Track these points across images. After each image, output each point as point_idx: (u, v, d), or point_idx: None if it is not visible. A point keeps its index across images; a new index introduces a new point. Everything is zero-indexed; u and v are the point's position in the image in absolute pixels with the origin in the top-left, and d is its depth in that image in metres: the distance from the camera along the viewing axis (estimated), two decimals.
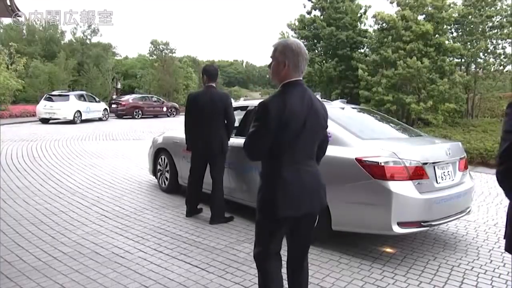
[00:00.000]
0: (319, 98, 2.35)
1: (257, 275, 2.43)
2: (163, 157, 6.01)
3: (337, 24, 20.54)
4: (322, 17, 21.36)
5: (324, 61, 21.30)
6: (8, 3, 5.17)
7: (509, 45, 15.63)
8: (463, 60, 16.36)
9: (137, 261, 3.53)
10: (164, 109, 26.69)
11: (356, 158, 3.66)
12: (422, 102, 14.24)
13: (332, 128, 3.89)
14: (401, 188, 3.54)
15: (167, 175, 5.94)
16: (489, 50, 15.59)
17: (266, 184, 2.24)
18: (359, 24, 21.39)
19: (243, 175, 4.67)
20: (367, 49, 19.82)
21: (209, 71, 4.75)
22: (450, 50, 15.00)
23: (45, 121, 18.99)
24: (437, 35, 15.18)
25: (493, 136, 11.08)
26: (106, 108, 22.64)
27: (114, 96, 32.07)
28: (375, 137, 4.26)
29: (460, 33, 16.50)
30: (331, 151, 4.04)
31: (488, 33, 15.47)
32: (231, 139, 4.71)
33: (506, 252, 1.72)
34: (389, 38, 15.61)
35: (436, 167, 3.82)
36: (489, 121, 15.05)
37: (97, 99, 22.86)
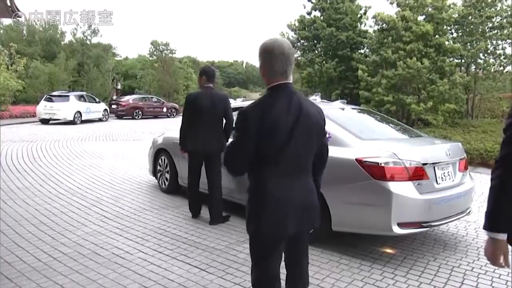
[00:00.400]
0: (316, 100, 2.20)
1: None
2: (163, 157, 6.01)
3: (337, 25, 20.55)
4: (322, 17, 21.37)
5: (324, 62, 21.31)
6: (8, 3, 5.17)
7: (509, 46, 15.63)
8: (463, 60, 16.35)
9: (137, 262, 3.53)
10: (164, 109, 26.69)
11: (356, 159, 3.66)
12: (422, 102, 14.23)
13: (332, 128, 3.90)
14: (401, 189, 3.53)
15: (167, 175, 5.94)
16: (489, 51, 15.59)
17: (251, 200, 2.03)
18: (359, 25, 21.40)
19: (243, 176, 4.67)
20: (367, 50, 19.82)
21: (208, 72, 4.75)
22: (450, 51, 15.00)
23: (45, 121, 18.99)
24: (437, 36, 15.17)
25: (493, 136, 11.08)
26: (106, 109, 22.65)
27: (114, 97, 32.09)
28: (375, 137, 4.26)
29: (460, 34, 16.50)
30: (331, 151, 4.06)
31: (488, 34, 15.47)
32: (229, 140, 4.72)
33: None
34: (389, 39, 15.61)
35: (436, 168, 3.82)
36: (489, 122, 15.04)
37: (97, 99, 22.86)
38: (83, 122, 19.67)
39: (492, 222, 1.64)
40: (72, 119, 19.04)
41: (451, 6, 15.75)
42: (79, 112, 19.60)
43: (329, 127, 3.96)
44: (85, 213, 4.95)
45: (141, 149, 9.68)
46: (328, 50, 21.24)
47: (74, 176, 7.09)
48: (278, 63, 1.96)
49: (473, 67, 16.49)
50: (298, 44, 22.20)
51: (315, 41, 21.60)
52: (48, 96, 19.80)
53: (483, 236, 4.41)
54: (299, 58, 22.40)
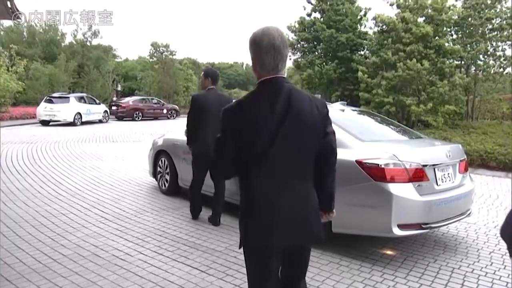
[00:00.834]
0: (316, 97, 1.92)
1: None
2: (163, 159, 6.01)
3: (337, 26, 20.58)
4: (322, 19, 21.40)
5: (324, 63, 21.34)
6: (9, 5, 5.18)
7: (509, 47, 15.67)
8: (463, 62, 16.38)
9: (137, 264, 3.52)
10: (164, 111, 26.70)
11: (356, 160, 3.66)
12: (422, 104, 14.25)
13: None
14: (401, 190, 3.53)
15: (167, 177, 5.93)
16: (489, 52, 15.63)
17: (240, 207, 1.86)
18: (359, 26, 21.44)
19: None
20: (367, 51, 19.86)
21: (213, 74, 4.73)
22: (450, 52, 15.02)
23: (45, 123, 18.99)
24: (437, 37, 15.20)
25: (493, 138, 11.09)
26: (106, 110, 22.66)
27: (114, 98, 32.07)
28: (375, 139, 4.26)
29: (460, 35, 16.53)
30: None
31: (488, 35, 15.51)
32: None
33: (507, 254, 1.72)
34: (389, 40, 15.64)
35: (436, 169, 3.82)
36: (489, 123, 15.06)
37: (97, 101, 22.88)
38: (83, 123, 19.67)
39: None
40: (72, 120, 19.04)
41: (451, 7, 15.78)
42: (79, 113, 19.61)
43: None
44: (85, 214, 4.95)
45: (141, 151, 9.68)
46: (328, 52, 21.27)
47: (74, 178, 7.08)
48: (268, 57, 1.75)
49: (473, 68, 16.52)
50: (298, 45, 22.23)
51: (315, 43, 21.62)
52: (48, 98, 19.80)
53: (483, 237, 4.41)
54: (299, 60, 22.43)
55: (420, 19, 15.67)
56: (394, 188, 3.51)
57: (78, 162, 8.72)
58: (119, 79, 38.60)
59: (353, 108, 5.70)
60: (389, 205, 3.49)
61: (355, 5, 21.71)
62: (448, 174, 3.96)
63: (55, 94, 21.19)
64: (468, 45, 15.59)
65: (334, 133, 1.91)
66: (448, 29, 16.32)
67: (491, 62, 15.80)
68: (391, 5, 16.36)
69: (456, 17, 15.55)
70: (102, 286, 3.09)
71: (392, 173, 3.56)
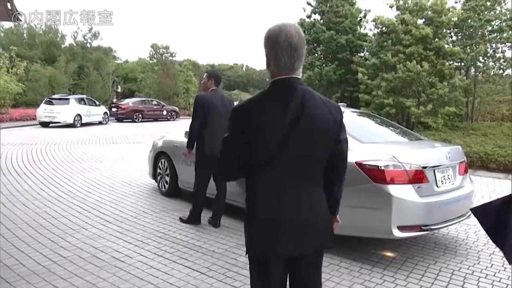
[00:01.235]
0: (330, 101, 1.81)
1: None
2: (163, 160, 6.01)
3: (337, 28, 20.61)
4: (322, 21, 21.43)
5: (324, 65, 21.36)
6: (9, 6, 5.18)
7: (509, 49, 15.70)
8: (462, 64, 16.40)
9: (137, 265, 3.52)
10: (164, 112, 26.70)
11: (356, 162, 3.65)
12: (422, 105, 14.26)
13: None
14: (401, 192, 3.54)
15: (167, 178, 5.93)
16: (488, 54, 15.65)
17: (246, 211, 1.79)
18: (358, 28, 21.46)
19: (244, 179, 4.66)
20: (367, 53, 19.88)
21: (216, 75, 4.73)
22: (450, 54, 15.04)
23: (45, 124, 18.99)
24: (436, 39, 15.22)
25: (493, 139, 11.09)
26: (106, 112, 22.66)
27: (115, 100, 32.11)
28: (375, 140, 4.27)
29: (460, 37, 16.55)
30: None
31: (487, 37, 15.53)
32: None
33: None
34: (389, 42, 15.66)
35: (436, 171, 3.82)
36: (489, 125, 15.05)
37: (97, 102, 22.88)
38: (83, 125, 19.67)
39: None
40: (72, 122, 19.04)
41: (451, 9, 15.81)
42: (79, 115, 19.61)
43: None
44: (85, 216, 4.94)
45: (141, 152, 9.68)
46: (328, 53, 21.29)
47: (74, 179, 7.08)
48: (284, 56, 1.66)
49: (472, 70, 16.53)
50: None
51: (315, 44, 21.65)
52: (48, 99, 19.81)
53: (483, 239, 4.41)
54: None
55: (420, 21, 15.70)
56: (394, 189, 3.51)
57: (78, 164, 8.72)
58: (119, 81, 38.60)
59: (353, 110, 5.70)
60: (389, 206, 3.49)
61: (355, 7, 21.75)
62: (448, 175, 3.96)
63: (55, 96, 21.20)
64: (468, 47, 15.61)
65: (347, 140, 1.81)
66: (448, 31, 16.35)
67: (491, 63, 15.82)
68: (391, 7, 16.38)
69: (456, 19, 15.58)
70: None
71: (392, 175, 3.56)
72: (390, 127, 5.21)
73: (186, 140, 4.83)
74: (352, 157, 3.71)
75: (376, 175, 3.56)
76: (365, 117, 5.52)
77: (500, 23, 15.42)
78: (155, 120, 25.47)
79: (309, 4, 21.82)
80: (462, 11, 15.73)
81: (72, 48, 40.00)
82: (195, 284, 3.19)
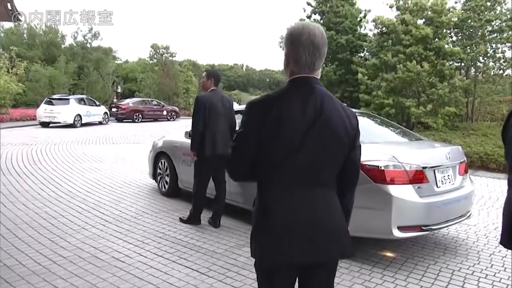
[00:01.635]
0: (347, 106, 1.73)
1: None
2: (163, 161, 6.01)
3: (337, 28, 20.62)
4: (322, 21, 21.43)
5: (324, 65, 21.32)
6: (9, 7, 5.19)
7: (509, 49, 15.68)
8: (462, 64, 16.39)
9: (137, 265, 3.52)
10: (164, 112, 26.70)
11: None
12: (422, 105, 14.25)
13: None
14: (401, 192, 3.53)
15: (167, 179, 5.93)
16: (488, 54, 15.64)
17: (254, 215, 1.68)
18: (359, 28, 21.47)
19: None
20: (367, 53, 19.89)
21: (216, 75, 4.71)
22: (450, 54, 15.04)
23: (45, 124, 18.99)
24: (436, 39, 15.22)
25: (493, 140, 11.08)
26: (106, 112, 22.66)
27: (115, 100, 32.12)
28: (375, 141, 4.26)
29: (460, 37, 16.55)
30: None
31: (487, 37, 15.52)
32: None
33: (507, 256, 1.74)
34: (389, 42, 15.66)
35: (436, 171, 3.82)
36: (489, 125, 15.04)
37: (97, 102, 22.88)
38: (83, 125, 19.67)
39: None
40: (72, 122, 19.04)
41: (451, 9, 15.81)
42: (79, 115, 19.61)
43: None
44: (85, 216, 4.94)
45: (141, 152, 9.68)
46: (328, 54, 21.24)
47: (74, 180, 7.08)
48: (305, 54, 1.60)
49: (472, 70, 16.53)
50: None
51: None
52: (48, 99, 19.80)
53: (484, 239, 4.41)
54: None
55: (420, 21, 15.70)
56: (394, 190, 3.51)
57: (78, 164, 8.72)
58: (119, 81, 38.61)
59: (353, 110, 5.70)
60: (389, 207, 3.49)
61: (355, 7, 21.75)
62: (448, 176, 3.96)
63: (55, 96, 21.19)
64: (468, 47, 15.61)
65: (360, 147, 1.74)
66: (448, 31, 16.34)
67: (491, 64, 15.81)
68: (391, 7, 16.39)
69: (456, 19, 15.57)
70: None
71: (392, 175, 3.56)
72: (390, 127, 5.21)
73: (186, 140, 4.83)
74: None
75: (376, 175, 3.56)
76: (365, 117, 5.51)
77: (500, 23, 15.42)
78: (155, 120, 25.48)
79: (309, 4, 21.83)
80: (462, 11, 15.73)
81: (72, 48, 40.02)
82: (195, 284, 3.19)
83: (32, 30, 38.29)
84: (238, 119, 5.06)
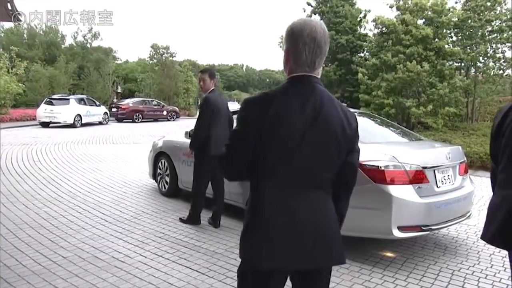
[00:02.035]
0: (347, 108, 1.66)
1: None
2: (163, 161, 6.01)
3: (337, 28, 20.65)
4: (322, 21, 21.45)
5: (324, 65, 21.35)
6: (9, 7, 5.19)
7: (509, 49, 15.68)
8: (462, 64, 16.40)
9: (137, 266, 3.52)
10: (164, 113, 26.70)
11: None
12: (422, 106, 14.26)
13: None
14: (401, 192, 3.53)
15: (167, 179, 5.93)
16: (488, 54, 15.64)
17: (246, 217, 1.61)
18: (359, 28, 21.51)
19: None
20: (367, 53, 19.91)
21: (215, 75, 4.71)
22: (450, 54, 15.04)
23: (45, 124, 18.99)
24: (436, 39, 15.23)
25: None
26: (106, 112, 22.66)
27: (115, 100, 32.12)
28: (375, 141, 4.26)
29: (460, 37, 16.55)
30: None
31: (487, 37, 15.52)
32: None
33: (507, 256, 1.73)
34: (389, 42, 15.67)
35: (436, 171, 3.82)
36: (489, 125, 14.98)
37: (97, 102, 22.88)
38: (83, 125, 19.67)
39: None
40: (72, 122, 19.04)
41: (451, 9, 15.82)
42: (79, 115, 19.61)
43: None
44: (85, 216, 4.94)
45: (141, 153, 9.68)
46: (328, 54, 21.20)
47: (74, 180, 7.08)
48: (306, 51, 1.54)
49: (472, 70, 16.53)
50: None
51: None
52: (48, 99, 19.80)
53: None
54: None
55: (420, 21, 15.71)
56: (394, 190, 3.51)
57: (78, 164, 8.72)
58: (119, 81, 38.62)
59: (353, 110, 5.70)
60: (389, 207, 3.49)
61: (355, 7, 21.79)
62: (448, 176, 3.96)
63: (55, 96, 21.19)
64: (468, 47, 15.61)
65: (359, 151, 1.68)
66: (448, 31, 16.35)
67: (491, 64, 15.81)
68: (391, 7, 16.39)
69: (456, 19, 15.58)
70: None
71: (392, 175, 3.56)
72: (390, 127, 5.21)
73: (186, 140, 4.82)
74: None
75: (376, 176, 3.56)
76: (365, 117, 5.51)
77: (500, 23, 15.42)
78: (155, 120, 25.48)
79: (309, 4, 21.87)
80: (462, 11, 15.73)
81: (72, 48, 40.07)
82: (195, 284, 3.18)
83: (32, 30, 38.33)
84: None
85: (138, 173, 7.75)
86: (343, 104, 1.71)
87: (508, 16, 15.13)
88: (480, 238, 1.87)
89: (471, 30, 15.66)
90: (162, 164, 6.04)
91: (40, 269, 3.39)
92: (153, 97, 31.92)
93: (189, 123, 4.73)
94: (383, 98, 15.15)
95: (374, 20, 16.68)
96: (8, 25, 33.51)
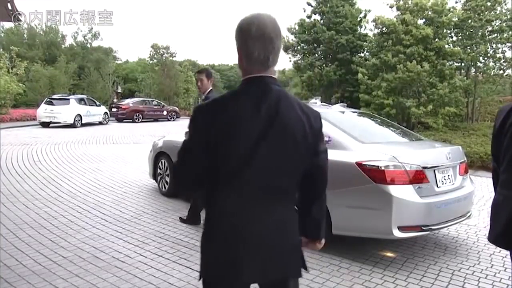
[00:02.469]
0: (316, 104, 1.56)
1: None
2: (163, 161, 6.00)
3: (337, 28, 20.65)
4: (322, 21, 21.46)
5: (324, 65, 21.40)
6: (9, 7, 5.19)
7: (509, 49, 15.70)
8: (463, 64, 16.41)
9: (137, 266, 3.52)
10: (165, 113, 26.70)
11: (356, 162, 3.65)
12: (422, 106, 14.27)
13: (332, 132, 3.91)
14: (402, 192, 3.53)
15: (167, 179, 5.93)
16: (488, 54, 15.65)
17: (204, 228, 1.54)
18: (359, 28, 21.52)
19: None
20: (367, 53, 19.92)
21: (212, 74, 4.66)
22: (450, 54, 15.05)
23: (45, 124, 18.99)
24: (437, 39, 15.24)
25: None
26: (106, 112, 22.66)
27: (115, 100, 32.12)
28: (376, 141, 4.27)
29: (460, 37, 16.56)
30: (332, 155, 4.06)
31: (487, 37, 15.54)
32: None
33: (507, 256, 1.74)
34: (389, 42, 15.67)
35: (436, 171, 3.82)
36: (489, 125, 15.02)
37: (97, 102, 22.88)
38: (83, 125, 19.67)
39: None
40: (72, 122, 19.04)
41: (451, 9, 15.83)
42: (79, 115, 19.62)
43: (329, 130, 3.98)
44: (85, 216, 4.94)
45: (141, 152, 9.67)
46: (328, 54, 21.33)
47: (74, 180, 7.08)
48: (257, 48, 1.43)
49: (473, 70, 16.54)
50: (298, 47, 22.28)
51: (315, 45, 21.68)
52: (48, 99, 19.81)
53: (484, 239, 4.40)
54: (299, 62, 22.46)
55: (420, 21, 15.71)
56: (395, 190, 3.51)
57: (78, 164, 8.72)
58: (119, 81, 38.63)
59: (353, 110, 5.70)
60: (389, 207, 3.49)
61: (355, 7, 21.80)
62: (448, 176, 3.96)
63: (55, 96, 21.20)
64: (468, 47, 15.62)
65: (326, 152, 1.60)
66: (448, 31, 16.36)
67: (491, 64, 15.83)
68: (391, 7, 16.40)
69: (456, 19, 15.59)
70: None
71: (393, 175, 3.56)
72: (391, 128, 5.21)
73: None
74: (353, 157, 3.73)
75: (376, 176, 3.56)
76: (365, 118, 5.52)
77: (500, 23, 15.43)
78: (155, 120, 25.48)
79: (309, 4, 21.86)
80: (463, 11, 15.74)
81: (73, 48, 40.08)
82: (195, 285, 3.18)
83: (33, 30, 38.34)
84: None
85: (138, 173, 7.75)
86: (324, 103, 1.65)
87: (508, 16, 15.14)
88: (487, 239, 1.89)
89: (471, 30, 15.67)
90: (162, 164, 6.04)
91: (40, 269, 3.39)
92: (153, 97, 31.93)
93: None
94: (383, 98, 15.16)
95: (374, 20, 16.70)
96: (8, 25, 33.51)
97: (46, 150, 10.85)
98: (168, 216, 5.03)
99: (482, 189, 6.94)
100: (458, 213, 4.00)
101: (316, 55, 21.89)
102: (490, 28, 15.57)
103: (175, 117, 27.21)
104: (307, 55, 22.08)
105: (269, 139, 1.41)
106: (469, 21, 15.45)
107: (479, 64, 16.01)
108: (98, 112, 21.72)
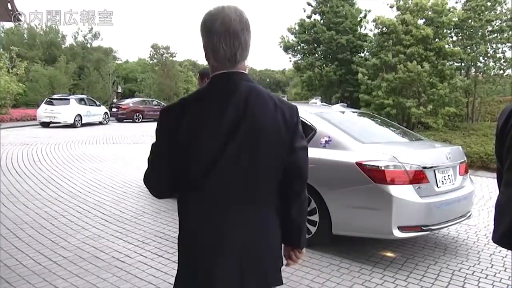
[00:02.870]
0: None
1: None
2: None
3: (337, 28, 20.64)
4: (322, 21, 21.46)
5: (324, 65, 21.40)
6: (9, 7, 5.19)
7: (509, 49, 15.68)
8: (463, 64, 16.40)
9: (137, 265, 3.52)
10: None
11: (356, 162, 3.65)
12: (422, 106, 14.26)
13: (332, 132, 3.91)
14: (402, 192, 3.53)
15: None
16: (489, 54, 15.64)
17: (178, 237, 1.48)
18: (359, 28, 21.52)
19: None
20: (367, 53, 19.92)
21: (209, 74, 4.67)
22: (450, 54, 15.04)
23: (45, 125, 18.99)
24: (437, 39, 15.22)
25: (493, 140, 11.07)
26: (106, 112, 22.66)
27: (115, 100, 32.10)
28: (376, 141, 4.27)
29: (460, 38, 16.55)
30: (332, 155, 4.08)
31: (488, 37, 15.53)
32: None
33: (507, 256, 1.75)
34: (389, 42, 15.66)
35: (436, 171, 3.82)
36: (490, 125, 15.03)
37: (97, 102, 22.88)
38: (83, 125, 19.67)
39: None
40: (72, 122, 19.04)
41: (451, 9, 15.82)
42: (79, 115, 19.61)
43: (329, 130, 3.99)
44: (85, 216, 4.95)
45: (141, 152, 9.68)
46: (328, 54, 21.32)
47: (74, 180, 7.08)
48: (222, 44, 1.33)
49: (473, 70, 16.53)
50: (298, 47, 22.29)
51: (315, 45, 21.67)
52: (48, 99, 19.80)
53: (484, 239, 4.41)
54: (299, 62, 22.47)
55: (420, 21, 15.70)
56: (395, 190, 3.51)
57: (78, 164, 8.72)
58: (119, 81, 38.61)
59: (353, 110, 5.70)
60: (389, 207, 3.49)
61: (355, 7, 21.80)
62: (449, 176, 3.96)
63: (55, 96, 21.20)
64: (468, 47, 15.61)
65: (305, 149, 1.47)
66: (448, 31, 16.34)
67: (491, 64, 15.81)
68: (391, 7, 16.39)
69: (456, 19, 15.57)
70: None
71: (392, 175, 3.56)
72: (391, 128, 5.21)
73: None
74: (353, 157, 3.73)
75: (376, 175, 3.56)
76: (365, 117, 5.52)
77: (500, 23, 15.42)
78: (155, 120, 24.88)
79: (309, 4, 21.86)
80: (463, 11, 15.73)
81: (73, 49, 40.04)
82: None
83: (33, 30, 38.31)
84: None
85: (138, 173, 7.74)
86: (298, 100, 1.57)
87: (508, 16, 15.14)
88: (492, 239, 1.89)
89: (471, 30, 15.66)
90: None
91: (41, 269, 3.39)
92: (153, 97, 31.93)
93: None
94: (384, 98, 15.14)
95: (374, 20, 16.68)
96: (8, 25, 33.51)
97: (46, 150, 10.85)
98: (168, 216, 5.03)
99: (482, 189, 6.94)
100: (458, 213, 4.00)
101: (316, 55, 21.89)
102: (490, 28, 15.56)
103: None
104: (307, 55, 22.08)
105: (238, 140, 1.32)
106: (469, 21, 15.44)
107: (479, 64, 16.00)
108: (98, 112, 21.71)
